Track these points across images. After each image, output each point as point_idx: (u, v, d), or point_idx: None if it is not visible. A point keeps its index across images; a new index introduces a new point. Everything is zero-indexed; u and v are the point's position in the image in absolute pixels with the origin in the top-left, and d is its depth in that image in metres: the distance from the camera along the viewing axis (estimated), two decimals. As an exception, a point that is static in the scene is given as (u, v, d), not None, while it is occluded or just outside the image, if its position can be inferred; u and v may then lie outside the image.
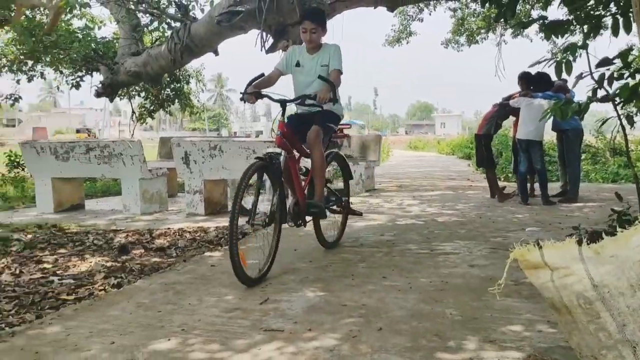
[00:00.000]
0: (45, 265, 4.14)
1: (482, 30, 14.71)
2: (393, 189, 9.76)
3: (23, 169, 10.12)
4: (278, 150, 3.73)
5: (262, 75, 4.06)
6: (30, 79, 10.76)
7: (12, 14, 9.17)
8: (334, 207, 4.43)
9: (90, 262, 4.19)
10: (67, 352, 2.40)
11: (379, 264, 3.91)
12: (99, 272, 3.88)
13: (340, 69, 4.06)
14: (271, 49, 8.20)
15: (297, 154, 4.01)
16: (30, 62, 9.97)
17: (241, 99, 3.96)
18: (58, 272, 3.96)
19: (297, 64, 4.14)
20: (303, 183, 4.01)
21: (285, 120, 3.86)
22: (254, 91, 3.86)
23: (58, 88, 11.45)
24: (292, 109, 4.17)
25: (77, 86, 9.93)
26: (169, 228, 5.59)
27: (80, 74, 9.95)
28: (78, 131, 49.49)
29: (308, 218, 4.06)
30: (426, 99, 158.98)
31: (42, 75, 10.98)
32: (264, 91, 3.92)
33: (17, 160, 10.34)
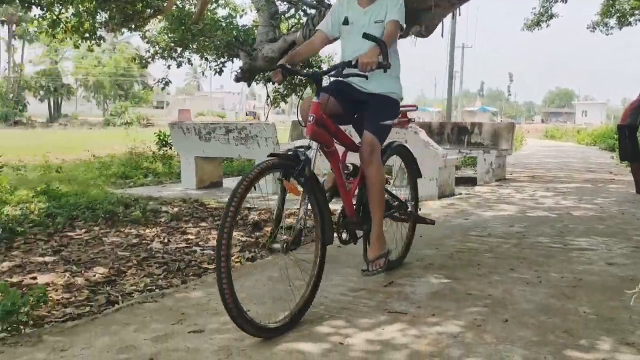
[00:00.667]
0: (189, 236, 4.54)
1: (636, 12, 13.41)
2: (525, 179, 9.33)
3: (170, 148, 11.03)
4: (308, 143, 2.69)
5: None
6: (179, 65, 11.67)
7: (165, 4, 9.97)
8: (396, 215, 3.41)
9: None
10: (208, 315, 2.66)
11: (506, 255, 3.81)
12: (234, 245, 4.19)
13: (399, 20, 2.96)
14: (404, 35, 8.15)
15: (338, 146, 2.97)
16: (179, 49, 10.80)
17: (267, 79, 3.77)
18: (200, 242, 4.34)
19: (345, 22, 3.09)
20: (351, 186, 3.08)
21: (321, 98, 2.75)
22: (281, 65, 2.84)
23: (203, 73, 12.34)
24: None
25: (219, 72, 10.62)
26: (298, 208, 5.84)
27: (222, 60, 10.62)
28: (247, 114, 51.18)
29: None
30: (566, 86, 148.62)
31: (189, 61, 11.84)
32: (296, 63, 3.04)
33: (165, 139, 11.29)
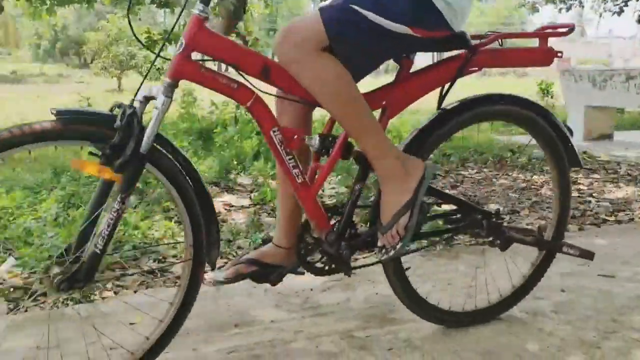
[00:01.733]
0: (581, 187, 4.40)
1: None
2: None
3: (551, 97, 10.62)
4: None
5: None
6: (568, 9, 11.00)
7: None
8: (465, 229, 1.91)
9: (626, 191, 4.22)
10: (619, 264, 2.57)
11: None
12: (635, 200, 3.89)
13: None
14: None
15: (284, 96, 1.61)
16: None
17: None
18: (593, 194, 4.16)
19: None
20: (317, 176, 1.64)
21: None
22: None
23: (600, 15, 11.27)
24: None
25: (619, 12, 9.57)
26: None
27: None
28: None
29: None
30: None
31: (580, 3, 11.03)
32: None
33: (548, 88, 10.91)
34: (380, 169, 1.56)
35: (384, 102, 1.63)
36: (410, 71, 1.66)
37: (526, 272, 2.01)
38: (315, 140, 1.55)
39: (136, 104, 1.38)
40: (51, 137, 1.30)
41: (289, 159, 1.51)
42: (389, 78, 1.74)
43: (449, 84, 1.68)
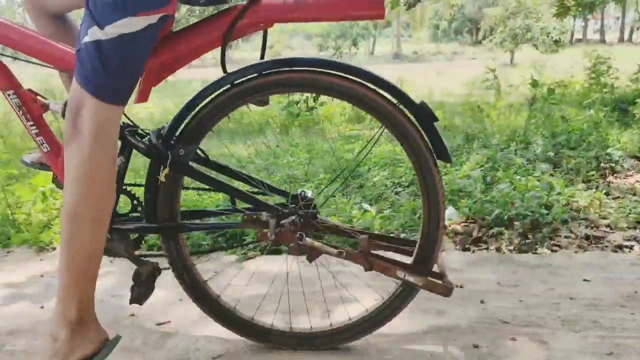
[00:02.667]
0: None
1: None
2: None
3: None
4: None
5: None
6: None
7: None
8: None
9: None
10: None
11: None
12: None
13: None
14: None
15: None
16: None
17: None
18: None
19: None
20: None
21: None
22: None
23: None
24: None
25: None
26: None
27: None
28: None
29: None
30: None
31: None
32: None
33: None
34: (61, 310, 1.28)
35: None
36: (172, 29, 1.39)
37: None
38: (57, 106, 1.41)
39: None
40: None
41: (30, 125, 1.42)
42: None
43: (222, 46, 1.35)
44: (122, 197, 1.46)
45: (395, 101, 1.35)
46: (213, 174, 1.50)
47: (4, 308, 1.86)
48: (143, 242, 1.51)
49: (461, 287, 1.86)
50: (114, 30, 1.16)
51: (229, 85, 1.38)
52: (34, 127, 1.42)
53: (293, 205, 1.44)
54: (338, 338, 1.53)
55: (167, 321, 1.72)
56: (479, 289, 1.85)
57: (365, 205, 2.70)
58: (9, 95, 1.40)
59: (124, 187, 1.45)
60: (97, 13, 1.16)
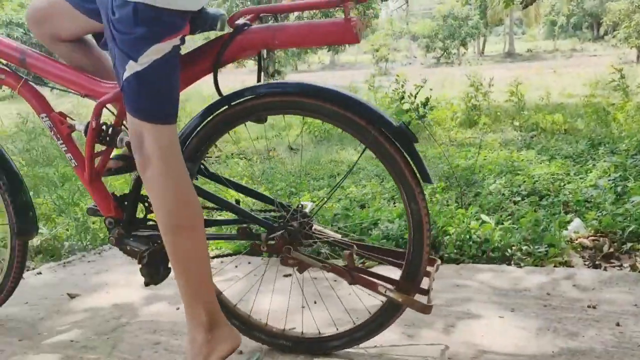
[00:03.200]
0: None
1: None
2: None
3: None
4: None
5: None
6: None
7: None
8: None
9: None
10: None
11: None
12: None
13: None
14: None
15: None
16: None
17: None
18: None
19: None
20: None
21: None
22: None
23: None
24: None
25: None
26: None
27: None
28: None
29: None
30: None
31: None
32: None
33: None
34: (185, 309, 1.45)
35: None
36: None
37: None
38: (81, 126, 1.55)
39: None
40: None
41: (60, 144, 1.59)
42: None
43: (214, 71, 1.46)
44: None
45: (374, 124, 1.39)
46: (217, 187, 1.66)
47: (144, 307, 2.02)
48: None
49: (594, 307, 1.76)
50: (146, 59, 1.28)
51: (226, 107, 1.49)
52: (63, 145, 1.59)
53: (281, 220, 1.53)
54: (325, 346, 1.59)
55: (292, 328, 1.79)
56: (614, 310, 1.73)
57: (484, 217, 2.63)
58: (42, 118, 1.60)
59: (140, 196, 1.60)
60: (128, 49, 1.28)
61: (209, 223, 1.73)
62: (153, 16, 1.25)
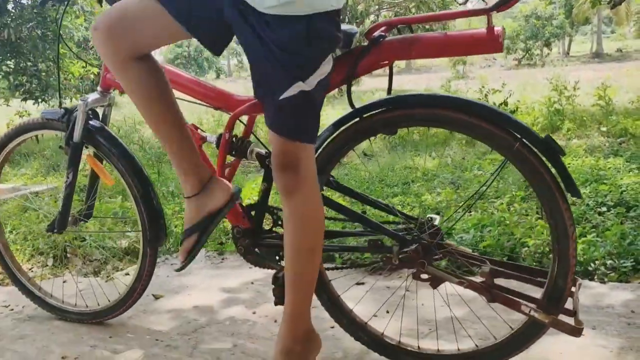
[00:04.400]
0: None
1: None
2: None
3: None
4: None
5: None
6: None
7: None
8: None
9: None
10: None
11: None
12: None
13: None
14: None
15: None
16: None
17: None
18: None
19: None
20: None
21: None
22: None
23: None
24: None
25: None
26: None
27: None
28: None
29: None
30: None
31: None
32: None
33: None
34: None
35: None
36: None
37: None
38: (212, 138, 1.64)
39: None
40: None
41: None
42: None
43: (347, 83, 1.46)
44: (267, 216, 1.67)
45: (518, 136, 1.33)
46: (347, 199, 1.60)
47: (222, 310, 2.11)
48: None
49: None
50: (314, 79, 1.25)
51: (357, 119, 1.48)
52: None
53: (416, 234, 1.49)
54: None
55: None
56: None
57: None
58: None
59: (268, 207, 1.63)
60: (298, 70, 1.23)
61: (336, 234, 1.82)
62: (323, 35, 1.23)
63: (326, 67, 1.27)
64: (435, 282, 1.50)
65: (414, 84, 16.46)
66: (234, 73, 47.45)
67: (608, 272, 2.15)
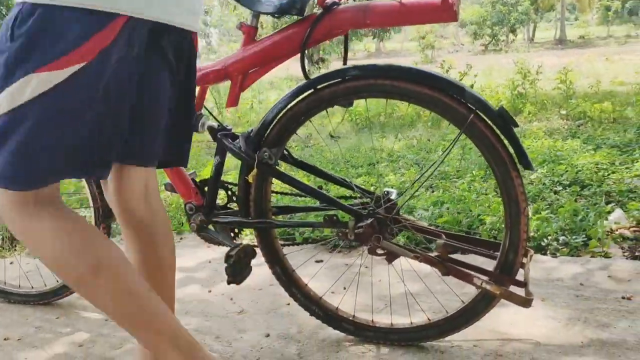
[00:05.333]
0: None
1: None
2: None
3: None
4: None
5: None
6: None
7: None
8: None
9: None
10: None
11: None
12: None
13: None
14: None
15: None
16: None
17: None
18: None
19: None
20: None
21: None
22: None
23: None
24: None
25: None
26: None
27: None
28: None
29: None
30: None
31: None
32: None
33: None
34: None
35: (230, 74, 1.51)
36: (255, 38, 1.51)
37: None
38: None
39: None
40: None
41: None
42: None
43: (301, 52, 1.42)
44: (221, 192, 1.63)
45: (473, 107, 1.32)
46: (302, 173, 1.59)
47: (177, 289, 2.07)
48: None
49: (629, 298, 1.70)
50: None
51: (312, 90, 1.44)
52: None
53: (371, 207, 1.47)
54: (416, 336, 1.54)
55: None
56: (650, 302, 1.68)
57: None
58: None
59: (221, 182, 1.60)
60: None
61: (293, 209, 1.78)
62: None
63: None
64: (390, 257, 1.49)
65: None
66: (202, 55, 46.88)
67: (560, 247, 2.20)
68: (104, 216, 1.79)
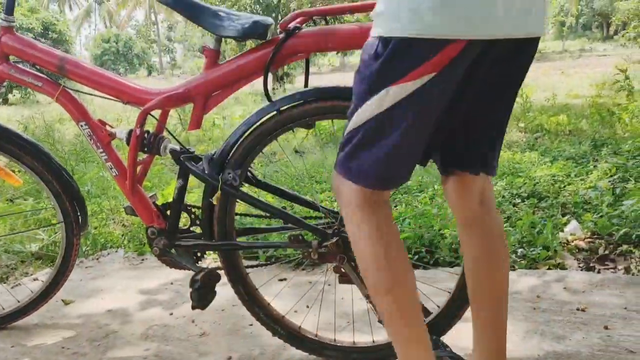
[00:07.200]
0: None
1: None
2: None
3: None
4: None
5: None
6: None
7: None
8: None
9: None
10: None
11: None
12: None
13: None
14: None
15: None
16: None
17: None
18: None
19: None
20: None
21: None
22: None
23: None
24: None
25: None
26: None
27: None
28: None
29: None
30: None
31: None
32: None
33: None
34: None
35: (192, 97, 1.50)
36: (219, 61, 1.51)
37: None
38: (122, 134, 1.57)
39: None
40: None
41: (100, 152, 1.60)
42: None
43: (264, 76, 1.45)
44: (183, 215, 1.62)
45: None
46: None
47: (138, 313, 2.04)
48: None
49: (584, 310, 1.75)
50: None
51: (275, 112, 1.45)
52: (103, 153, 1.59)
53: (336, 227, 1.48)
54: (378, 355, 1.56)
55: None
56: (603, 313, 1.73)
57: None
58: (81, 125, 1.59)
59: (184, 205, 1.58)
60: None
61: (257, 230, 1.78)
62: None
63: None
64: (344, 279, 1.51)
65: (348, 82, 16.61)
66: (166, 70, 46.29)
67: (518, 259, 2.24)
68: (79, 230, 1.77)
